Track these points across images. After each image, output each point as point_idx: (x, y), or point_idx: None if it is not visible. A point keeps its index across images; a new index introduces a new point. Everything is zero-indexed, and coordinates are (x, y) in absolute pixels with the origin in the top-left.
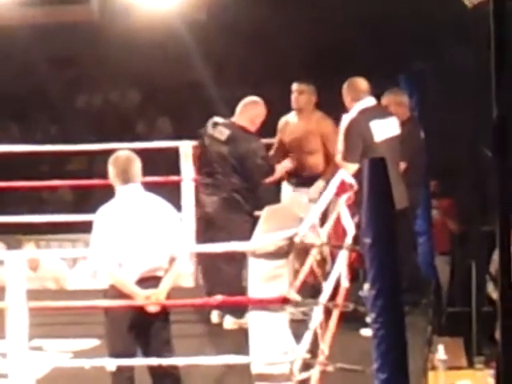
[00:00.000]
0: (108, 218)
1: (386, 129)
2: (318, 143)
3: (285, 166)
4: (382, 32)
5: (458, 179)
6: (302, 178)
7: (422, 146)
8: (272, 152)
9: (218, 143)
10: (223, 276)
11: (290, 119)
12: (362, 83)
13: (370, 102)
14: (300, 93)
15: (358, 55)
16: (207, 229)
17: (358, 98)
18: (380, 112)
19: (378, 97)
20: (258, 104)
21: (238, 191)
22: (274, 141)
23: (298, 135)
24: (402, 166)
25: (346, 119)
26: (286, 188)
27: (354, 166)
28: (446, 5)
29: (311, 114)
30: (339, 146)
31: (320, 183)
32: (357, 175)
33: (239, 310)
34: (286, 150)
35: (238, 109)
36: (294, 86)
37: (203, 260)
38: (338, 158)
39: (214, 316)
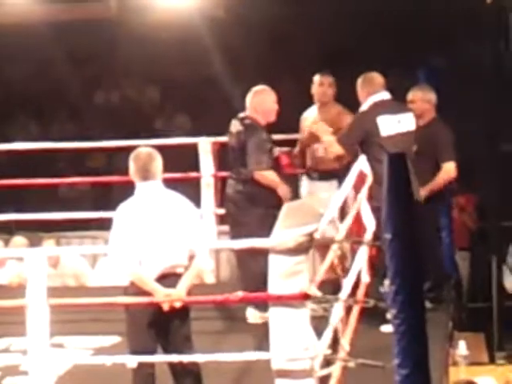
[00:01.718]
0: (128, 215)
1: (396, 124)
2: None
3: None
4: (400, 27)
5: (476, 175)
6: (321, 172)
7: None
8: (297, 149)
9: (231, 136)
10: (250, 271)
11: (309, 114)
12: (377, 78)
13: (383, 96)
14: (329, 85)
15: (374, 50)
16: (232, 224)
17: (373, 92)
18: (392, 107)
19: (394, 92)
20: (259, 92)
21: (248, 184)
22: (289, 137)
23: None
24: (451, 165)
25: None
26: (305, 182)
27: (339, 150)
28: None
29: (332, 107)
30: None
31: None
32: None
33: (264, 304)
34: (308, 145)
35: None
36: (321, 79)
37: (236, 256)
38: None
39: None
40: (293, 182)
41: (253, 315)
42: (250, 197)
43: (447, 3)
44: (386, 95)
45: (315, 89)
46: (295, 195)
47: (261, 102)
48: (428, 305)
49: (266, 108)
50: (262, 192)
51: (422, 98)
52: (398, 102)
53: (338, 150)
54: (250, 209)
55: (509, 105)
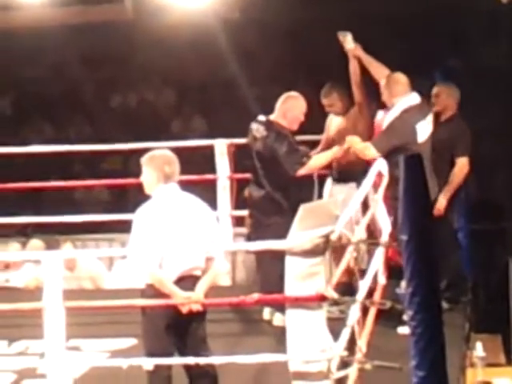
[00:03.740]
0: (149, 217)
1: (427, 128)
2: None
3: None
4: (416, 29)
5: (492, 176)
6: (342, 173)
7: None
8: (318, 149)
9: (255, 140)
10: (270, 273)
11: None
12: (403, 78)
13: (415, 99)
14: (330, 105)
15: (391, 52)
16: (254, 227)
17: (401, 93)
18: (424, 110)
19: None
20: (291, 98)
21: (275, 189)
22: (308, 138)
23: (339, 129)
24: (464, 160)
25: (388, 115)
26: (328, 183)
27: (374, 154)
28: (481, 0)
29: (352, 113)
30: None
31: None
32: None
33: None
34: (330, 146)
35: (276, 104)
36: (322, 100)
37: (257, 259)
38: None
39: (266, 313)
40: (311, 184)
41: (278, 319)
42: (277, 203)
43: (462, 4)
44: (416, 97)
45: None
46: (319, 196)
47: (292, 107)
48: (445, 305)
49: (295, 115)
50: (287, 199)
51: (448, 92)
52: (425, 104)
53: (373, 153)
54: (275, 215)
55: None
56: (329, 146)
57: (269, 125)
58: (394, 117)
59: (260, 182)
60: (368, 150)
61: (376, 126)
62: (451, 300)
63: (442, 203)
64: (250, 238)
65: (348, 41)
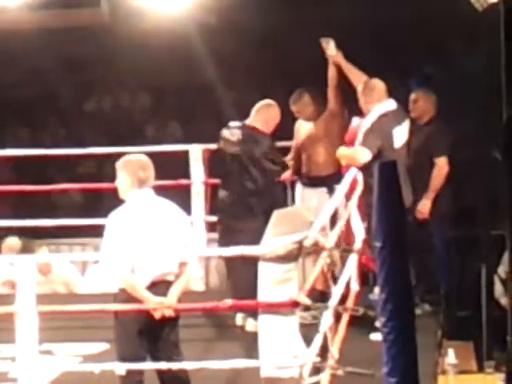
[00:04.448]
0: (122, 222)
1: (403, 135)
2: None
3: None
4: (392, 36)
5: (468, 182)
6: (312, 178)
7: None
8: (290, 156)
9: (230, 145)
10: (243, 279)
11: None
12: (379, 85)
13: (391, 105)
14: (299, 111)
15: (367, 59)
16: (226, 232)
17: (378, 100)
18: (400, 116)
19: None
20: (273, 107)
21: (251, 193)
22: (284, 144)
23: (310, 135)
24: (443, 160)
25: (364, 121)
26: (299, 188)
27: (367, 156)
28: (457, 8)
29: (323, 118)
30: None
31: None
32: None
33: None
34: (300, 152)
35: (253, 111)
36: (291, 107)
37: (227, 264)
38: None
39: (239, 319)
40: (284, 189)
41: (251, 324)
42: (250, 207)
43: (438, 11)
44: (393, 104)
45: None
46: (292, 201)
47: (275, 116)
48: (427, 307)
49: (275, 123)
50: (260, 203)
51: (426, 98)
52: (401, 110)
53: (366, 156)
54: (248, 219)
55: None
56: (299, 152)
57: (247, 129)
58: (370, 123)
59: (233, 186)
60: (359, 153)
61: (351, 133)
62: (432, 303)
63: (426, 205)
64: (220, 243)
65: (330, 47)
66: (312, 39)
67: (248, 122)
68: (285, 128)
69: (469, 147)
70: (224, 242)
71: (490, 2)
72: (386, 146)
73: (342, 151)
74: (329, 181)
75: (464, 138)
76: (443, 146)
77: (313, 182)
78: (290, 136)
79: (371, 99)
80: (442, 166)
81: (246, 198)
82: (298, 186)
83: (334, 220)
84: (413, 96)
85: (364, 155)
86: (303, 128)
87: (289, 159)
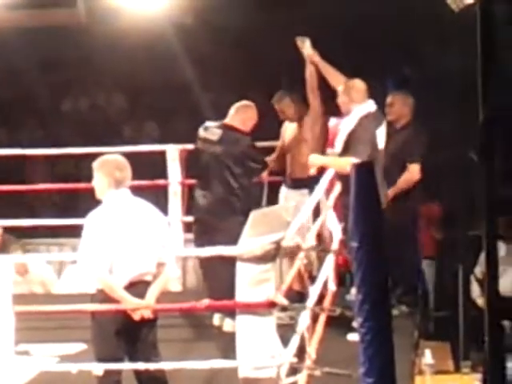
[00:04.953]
0: (99, 222)
1: (383, 135)
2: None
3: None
4: (368, 36)
5: (444, 183)
6: (294, 180)
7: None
8: (273, 156)
9: (210, 144)
10: (220, 279)
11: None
12: (360, 85)
13: (371, 106)
14: (282, 111)
15: (344, 59)
16: (203, 232)
17: (358, 100)
18: (379, 119)
19: None
20: (251, 107)
21: (232, 192)
22: (262, 144)
23: (294, 136)
24: (416, 167)
25: (344, 121)
26: (283, 190)
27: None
28: (433, 9)
29: (306, 119)
30: (338, 146)
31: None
32: (342, 176)
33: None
34: (285, 153)
35: (231, 111)
36: (275, 105)
37: (202, 264)
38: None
39: (216, 319)
40: (261, 189)
41: (228, 324)
42: (230, 206)
43: (414, 12)
44: (373, 105)
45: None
46: (268, 201)
47: (252, 117)
48: (404, 309)
49: (252, 123)
50: (240, 202)
51: (402, 101)
52: (380, 112)
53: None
54: (228, 218)
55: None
56: (284, 152)
57: (226, 129)
58: (353, 124)
59: (213, 186)
60: (349, 164)
61: (330, 133)
62: (410, 304)
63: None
64: (196, 243)
65: (306, 46)
66: (287, 39)
67: (226, 121)
68: (262, 129)
69: (445, 148)
70: (201, 242)
71: (467, 3)
72: (373, 148)
73: (317, 160)
74: (312, 182)
75: (440, 139)
76: (418, 152)
77: (296, 183)
78: (266, 137)
79: (352, 99)
80: (413, 172)
81: (226, 196)
82: (282, 188)
83: (314, 220)
84: (389, 99)
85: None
86: (289, 129)
87: (270, 160)
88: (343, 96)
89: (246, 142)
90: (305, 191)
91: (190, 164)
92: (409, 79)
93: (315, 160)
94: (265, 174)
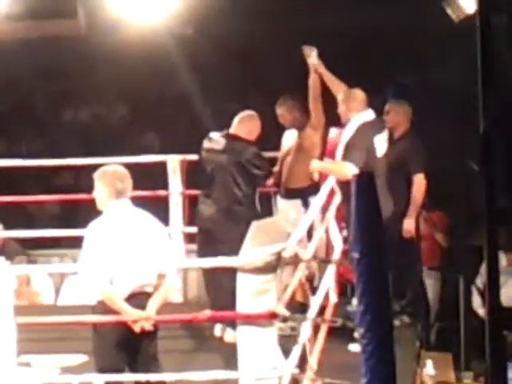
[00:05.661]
0: (100, 233)
1: (383, 144)
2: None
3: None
4: (369, 46)
5: (445, 193)
6: (288, 190)
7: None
8: (276, 167)
9: (215, 154)
10: (223, 289)
11: (291, 133)
12: (359, 94)
13: (369, 115)
14: (282, 116)
15: (344, 69)
16: (207, 242)
17: (357, 109)
18: (378, 127)
19: None
20: (254, 117)
21: (238, 201)
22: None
23: (292, 146)
24: (421, 177)
25: (344, 131)
26: (278, 200)
27: (354, 170)
28: (433, 19)
29: (306, 127)
30: (338, 156)
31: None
32: (343, 187)
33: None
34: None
35: (235, 121)
36: (277, 110)
37: (205, 274)
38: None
39: (217, 330)
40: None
41: (230, 335)
42: (236, 216)
43: (414, 22)
44: (371, 114)
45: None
46: (270, 212)
47: (256, 126)
48: (406, 319)
49: (256, 133)
50: (248, 211)
51: (398, 110)
52: (380, 120)
53: (352, 172)
54: (232, 229)
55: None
56: (282, 163)
57: (231, 138)
58: (351, 134)
59: (217, 195)
60: (345, 168)
61: (330, 144)
62: (411, 314)
63: (410, 224)
64: (199, 253)
65: (313, 56)
66: (289, 50)
67: (231, 131)
68: (265, 139)
69: (445, 158)
70: (204, 252)
71: (467, 14)
72: (370, 156)
73: (317, 164)
74: (306, 193)
75: (440, 149)
76: (420, 162)
77: (289, 193)
78: (266, 147)
79: (351, 108)
80: (420, 183)
81: (230, 205)
82: (278, 198)
83: (310, 232)
84: (386, 107)
85: (350, 170)
86: (287, 137)
87: (276, 170)
88: (342, 105)
89: (252, 150)
90: (298, 202)
91: (191, 174)
92: (408, 88)
93: (316, 165)
94: (271, 184)
